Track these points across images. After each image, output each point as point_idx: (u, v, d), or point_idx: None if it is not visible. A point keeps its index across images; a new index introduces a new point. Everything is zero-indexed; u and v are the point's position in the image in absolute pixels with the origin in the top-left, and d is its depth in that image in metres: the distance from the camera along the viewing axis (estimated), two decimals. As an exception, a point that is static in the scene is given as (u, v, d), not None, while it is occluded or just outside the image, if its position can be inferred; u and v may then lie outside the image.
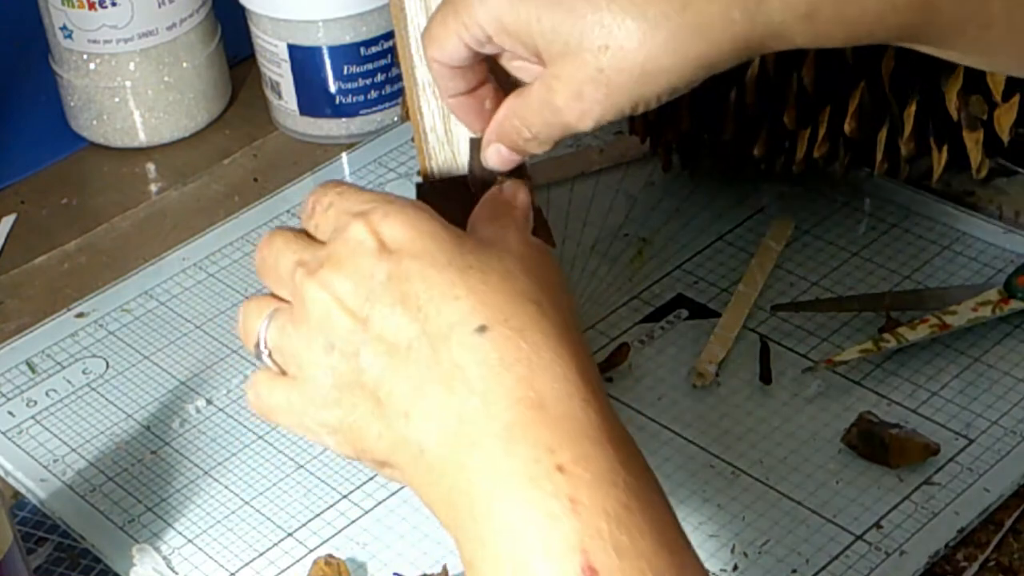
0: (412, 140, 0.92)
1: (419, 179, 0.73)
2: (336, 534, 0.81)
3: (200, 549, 0.81)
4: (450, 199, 0.70)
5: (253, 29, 1.08)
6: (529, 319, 0.59)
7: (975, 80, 0.89)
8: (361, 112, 1.08)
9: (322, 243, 0.65)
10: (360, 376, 0.61)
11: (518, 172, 0.70)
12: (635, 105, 0.63)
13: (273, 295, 0.67)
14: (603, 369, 0.87)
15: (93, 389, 0.91)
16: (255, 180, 1.07)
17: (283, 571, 0.80)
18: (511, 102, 0.67)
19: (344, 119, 1.08)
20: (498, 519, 0.56)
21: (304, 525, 0.82)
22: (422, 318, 0.60)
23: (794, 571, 0.76)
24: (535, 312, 0.59)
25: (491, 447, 0.57)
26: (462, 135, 0.71)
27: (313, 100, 1.08)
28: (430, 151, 0.71)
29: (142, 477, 0.85)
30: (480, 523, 0.56)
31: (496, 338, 0.58)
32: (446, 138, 0.71)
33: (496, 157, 0.69)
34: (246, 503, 0.83)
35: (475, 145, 0.71)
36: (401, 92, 1.07)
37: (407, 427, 0.60)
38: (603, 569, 0.54)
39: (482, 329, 0.59)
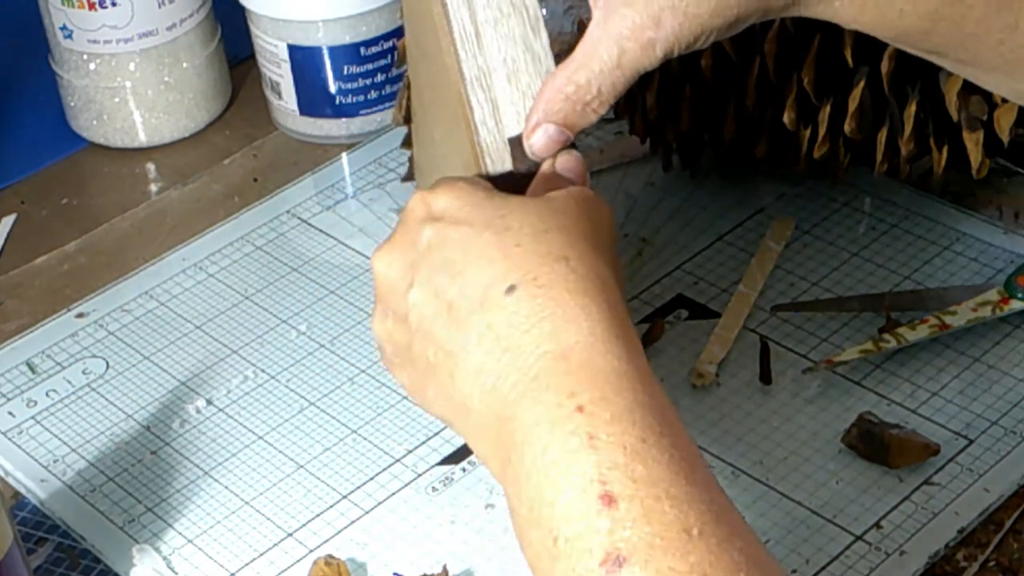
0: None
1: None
2: (336, 534, 0.81)
3: (200, 549, 0.81)
4: (504, 191, 0.70)
5: (253, 29, 1.08)
6: (556, 276, 0.62)
7: (975, 80, 0.89)
8: (361, 112, 1.08)
9: None
10: (411, 339, 0.65)
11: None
12: (699, 37, 0.66)
13: None
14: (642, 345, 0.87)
15: (93, 389, 0.91)
16: (255, 180, 1.07)
17: (283, 571, 0.80)
18: (559, 74, 0.68)
19: (344, 119, 1.08)
20: (528, 461, 0.58)
21: (304, 525, 0.82)
22: (460, 281, 0.63)
23: (794, 571, 0.76)
24: (563, 269, 0.62)
25: (522, 399, 0.60)
26: (512, 125, 0.71)
27: (313, 100, 1.07)
28: (482, 144, 0.71)
29: (142, 477, 0.85)
30: (516, 467, 0.59)
31: (523, 297, 0.61)
32: (497, 130, 0.71)
33: (544, 140, 0.69)
34: (246, 503, 0.83)
35: (515, 143, 0.70)
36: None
37: (454, 388, 0.63)
38: (620, 495, 0.56)
39: (511, 289, 0.62)
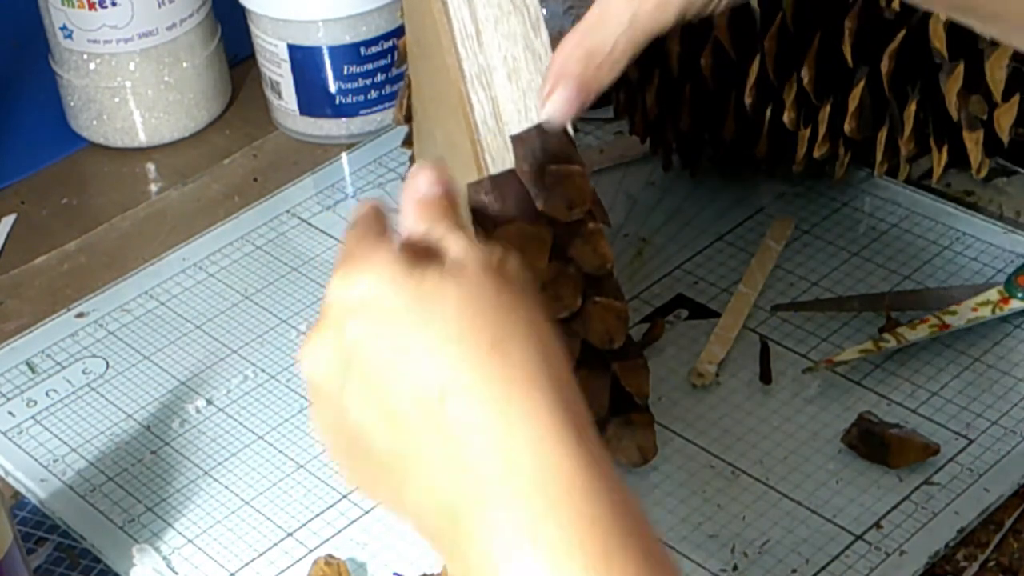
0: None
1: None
2: (336, 534, 0.81)
3: (200, 549, 0.81)
4: (505, 190, 0.70)
5: (253, 29, 1.08)
6: (493, 371, 0.56)
7: (975, 80, 0.89)
8: (361, 112, 1.08)
9: None
10: (354, 441, 0.59)
11: (567, 156, 0.69)
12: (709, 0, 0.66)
13: None
14: (641, 346, 0.87)
15: (93, 389, 0.91)
16: (255, 180, 1.07)
17: (283, 571, 0.80)
18: (572, 36, 0.67)
19: (344, 119, 1.08)
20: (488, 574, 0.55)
21: (304, 525, 0.82)
22: (394, 389, 0.57)
23: (794, 571, 0.76)
24: (498, 362, 0.56)
25: (472, 516, 0.55)
26: (513, 124, 0.71)
27: (313, 100, 1.08)
28: (483, 143, 0.71)
29: (142, 477, 0.85)
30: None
31: (458, 405, 0.55)
32: (497, 128, 0.71)
33: (559, 102, 0.68)
34: (246, 503, 0.83)
35: (516, 142, 0.70)
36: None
37: (405, 495, 0.58)
38: None
39: (444, 396, 0.56)
